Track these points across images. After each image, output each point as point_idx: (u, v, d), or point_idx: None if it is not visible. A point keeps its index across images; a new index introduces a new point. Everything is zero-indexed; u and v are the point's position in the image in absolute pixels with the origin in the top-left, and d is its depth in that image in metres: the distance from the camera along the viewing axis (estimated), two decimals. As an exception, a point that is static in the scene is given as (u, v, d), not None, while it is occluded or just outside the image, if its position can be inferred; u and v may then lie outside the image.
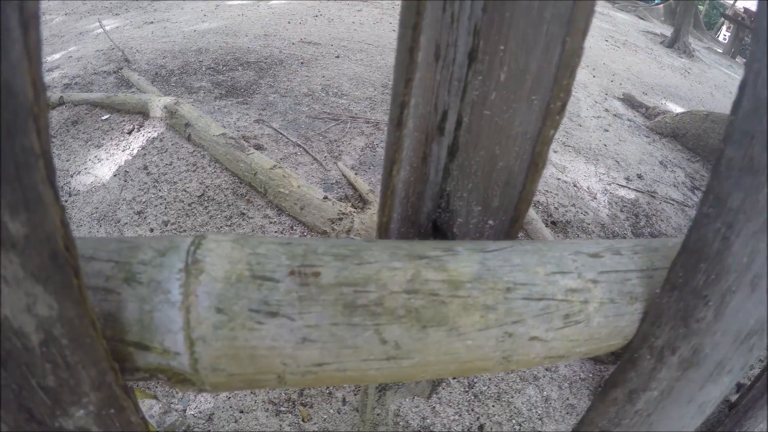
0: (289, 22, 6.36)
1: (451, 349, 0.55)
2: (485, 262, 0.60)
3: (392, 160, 0.72)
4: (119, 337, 0.51)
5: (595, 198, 3.65)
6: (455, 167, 0.73)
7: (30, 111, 0.35)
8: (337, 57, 5.29)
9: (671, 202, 3.99)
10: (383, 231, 0.82)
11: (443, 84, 0.66)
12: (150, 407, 1.77)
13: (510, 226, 0.80)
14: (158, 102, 3.55)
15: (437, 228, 0.80)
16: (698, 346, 0.71)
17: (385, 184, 0.77)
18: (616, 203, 3.69)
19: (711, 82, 8.73)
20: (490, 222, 0.79)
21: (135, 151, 3.28)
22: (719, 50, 13.54)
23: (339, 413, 1.91)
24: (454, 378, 2.02)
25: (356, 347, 0.53)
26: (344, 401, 1.95)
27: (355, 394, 1.97)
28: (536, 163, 0.73)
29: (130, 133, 3.47)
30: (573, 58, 0.64)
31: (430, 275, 0.54)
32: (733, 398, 1.69)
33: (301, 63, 4.94)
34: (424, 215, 0.79)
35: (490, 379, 2.09)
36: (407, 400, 1.94)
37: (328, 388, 1.96)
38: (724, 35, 16.64)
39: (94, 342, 0.47)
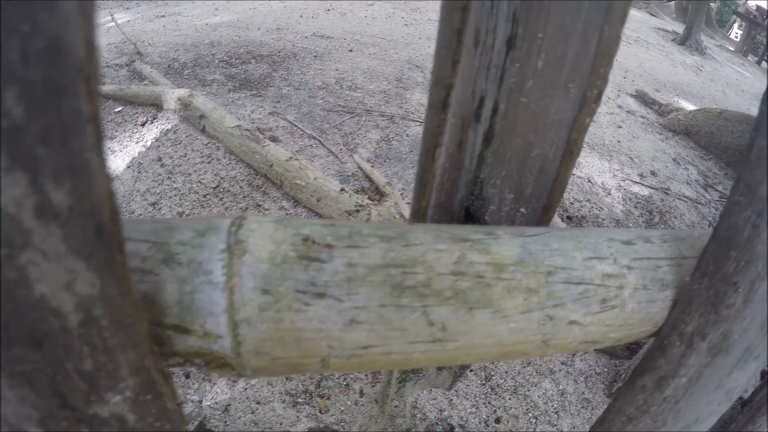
0: (301, 16, 6.36)
1: (495, 332, 0.56)
2: (526, 246, 0.60)
3: (434, 144, 0.72)
4: (157, 319, 0.49)
5: (609, 194, 3.65)
6: (490, 154, 0.73)
7: (80, 70, 0.32)
8: (351, 51, 5.29)
9: (684, 199, 3.99)
10: (419, 216, 0.83)
11: (481, 70, 0.67)
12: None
13: (542, 214, 0.80)
14: (172, 94, 3.56)
15: (469, 215, 0.80)
16: (727, 332, 0.71)
17: (425, 168, 0.77)
18: (630, 199, 3.69)
19: (723, 80, 8.69)
20: (522, 210, 0.79)
21: (149, 143, 3.28)
22: (731, 48, 13.45)
23: (356, 405, 1.91)
24: (471, 371, 2.03)
25: (403, 329, 0.52)
26: (362, 393, 1.95)
27: (373, 386, 1.98)
28: (571, 150, 0.73)
29: (143, 125, 3.49)
30: (611, 46, 0.65)
31: (474, 257, 0.55)
32: (746, 395, 1.69)
33: (315, 56, 4.94)
34: (458, 202, 0.79)
35: (506, 372, 2.10)
36: (425, 392, 1.94)
37: (345, 380, 1.97)
38: (736, 33, 16.52)
39: (134, 323, 0.45)
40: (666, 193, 3.96)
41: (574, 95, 0.68)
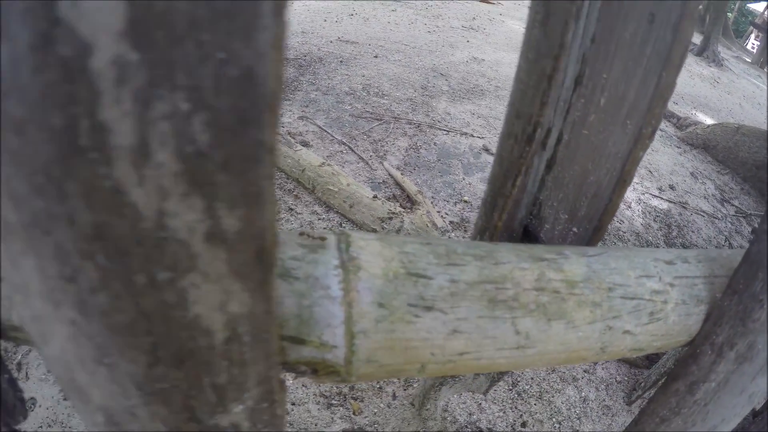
0: (325, 20, 6.42)
1: (566, 340, 0.64)
2: (590, 265, 0.68)
3: (516, 172, 0.81)
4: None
5: (629, 207, 3.70)
6: (550, 179, 0.82)
7: (269, 103, 0.32)
8: (376, 57, 5.35)
9: (702, 213, 4.03)
10: (485, 234, 0.91)
11: (551, 104, 0.75)
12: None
13: (593, 234, 0.88)
14: None
15: (527, 233, 0.89)
16: (753, 342, 0.80)
17: (499, 192, 0.85)
18: (649, 213, 3.74)
19: (740, 92, 8.70)
20: (575, 229, 0.87)
21: None
22: (748, 59, 13.42)
23: (389, 407, 1.97)
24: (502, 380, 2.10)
25: (494, 337, 0.59)
26: (394, 396, 2.01)
27: (405, 389, 2.04)
28: (624, 179, 0.81)
29: None
30: (667, 90, 0.73)
31: (551, 275, 0.63)
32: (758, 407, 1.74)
33: (340, 61, 5.00)
34: (518, 221, 0.88)
35: (532, 379, 2.17)
36: (455, 396, 2.00)
37: (378, 383, 2.02)
38: (753, 44, 16.46)
39: (271, 338, 0.46)
40: (684, 207, 4.01)
41: (630, 131, 0.76)
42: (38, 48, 0.25)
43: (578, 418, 2.10)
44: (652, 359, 2.34)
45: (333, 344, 0.53)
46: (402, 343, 0.55)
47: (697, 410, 0.90)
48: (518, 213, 0.87)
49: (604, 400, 2.22)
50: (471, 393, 2.00)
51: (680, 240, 3.56)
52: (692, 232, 3.72)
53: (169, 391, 0.43)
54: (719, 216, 4.13)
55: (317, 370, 0.55)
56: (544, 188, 0.83)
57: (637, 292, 0.72)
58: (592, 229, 0.88)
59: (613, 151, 0.78)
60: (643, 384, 2.24)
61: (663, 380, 1.97)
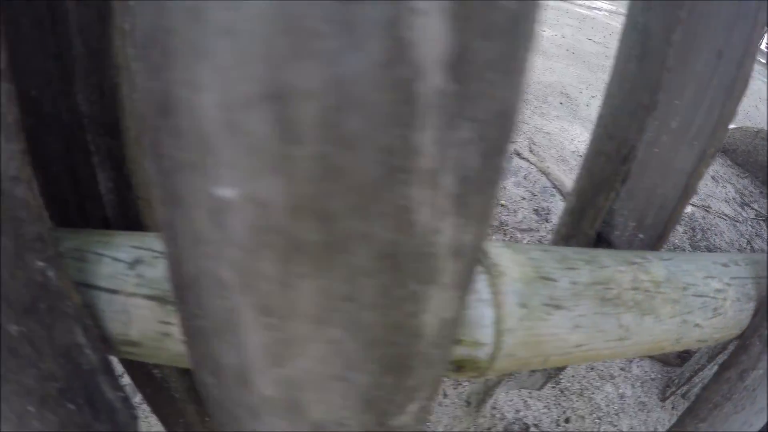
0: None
1: (654, 332, 0.75)
2: (668, 267, 0.79)
3: (609, 188, 0.91)
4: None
5: (654, 211, 3.76)
6: (624, 190, 0.92)
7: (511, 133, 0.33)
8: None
9: (724, 217, 4.11)
10: (577, 241, 1.02)
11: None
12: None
13: (657, 241, 0.99)
14: None
15: (600, 238, 1.00)
16: (795, 335, 0.90)
17: (588, 203, 0.96)
18: (673, 216, 3.80)
19: (755, 95, 8.69)
20: (641, 236, 0.98)
21: None
22: (763, 60, 13.37)
23: (440, 405, 2.06)
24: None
25: (603, 331, 0.68)
26: (445, 394, 2.10)
27: (455, 388, 2.13)
28: (687, 192, 0.92)
29: None
30: (729, 117, 0.84)
31: (642, 276, 0.74)
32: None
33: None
34: (594, 228, 0.99)
35: (573, 376, 2.26)
36: (502, 393, 2.09)
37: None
38: (766, 44, 16.34)
39: (452, 342, 0.48)
40: (707, 210, 4.08)
41: (696, 150, 0.87)
42: (384, 65, 0.26)
43: (616, 414, 2.19)
44: (683, 357, 2.44)
45: (483, 342, 0.59)
46: (536, 338, 0.63)
47: (746, 395, 0.98)
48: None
49: (639, 396, 2.31)
50: (517, 390, 2.09)
51: (704, 243, 3.64)
52: (715, 235, 3.80)
53: (379, 398, 0.44)
54: (740, 219, 4.19)
55: (463, 366, 0.60)
56: (618, 199, 0.94)
57: (704, 291, 0.82)
58: (656, 236, 0.99)
59: (680, 167, 0.89)
60: (676, 381, 2.33)
61: (683, 380, 2.06)
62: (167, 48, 0.26)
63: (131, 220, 0.75)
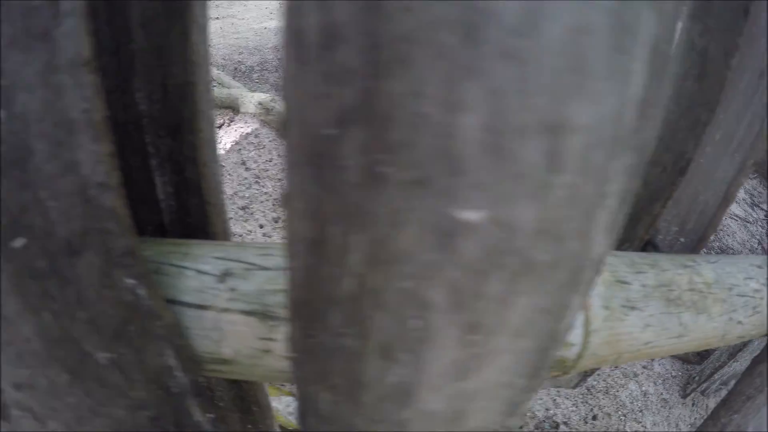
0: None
1: (706, 329, 0.81)
2: (715, 270, 0.86)
3: (668, 196, 0.97)
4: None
5: (667, 212, 3.81)
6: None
7: None
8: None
9: (735, 217, 4.14)
10: (633, 246, 1.09)
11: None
12: (287, 404, 1.73)
13: (696, 244, 1.07)
14: (251, 98, 3.41)
15: (646, 242, 1.07)
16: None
17: (649, 211, 1.00)
18: (686, 217, 3.85)
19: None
20: (682, 239, 1.06)
21: (228, 146, 3.21)
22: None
23: None
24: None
25: (667, 329, 0.74)
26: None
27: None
28: (727, 199, 0.99)
29: (219, 127, 3.39)
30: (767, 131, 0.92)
31: (696, 278, 0.81)
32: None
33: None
34: (649, 234, 1.06)
35: (599, 375, 2.32)
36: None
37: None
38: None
39: None
40: (718, 211, 4.12)
41: (737, 161, 0.94)
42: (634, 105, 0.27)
43: (640, 411, 2.25)
44: (703, 355, 2.49)
45: (572, 343, 0.63)
46: (614, 337, 0.68)
47: (776, 387, 1.07)
48: (645, 226, 1.05)
49: (662, 393, 2.37)
50: (546, 389, 2.15)
51: (717, 243, 3.67)
52: (728, 235, 3.82)
53: (522, 401, 0.44)
54: (750, 220, 4.21)
55: (552, 366, 0.62)
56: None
57: (745, 291, 0.89)
58: (696, 239, 1.06)
59: (721, 176, 0.96)
60: (697, 378, 2.39)
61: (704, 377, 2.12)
62: (404, 58, 0.23)
63: (189, 227, 0.70)
